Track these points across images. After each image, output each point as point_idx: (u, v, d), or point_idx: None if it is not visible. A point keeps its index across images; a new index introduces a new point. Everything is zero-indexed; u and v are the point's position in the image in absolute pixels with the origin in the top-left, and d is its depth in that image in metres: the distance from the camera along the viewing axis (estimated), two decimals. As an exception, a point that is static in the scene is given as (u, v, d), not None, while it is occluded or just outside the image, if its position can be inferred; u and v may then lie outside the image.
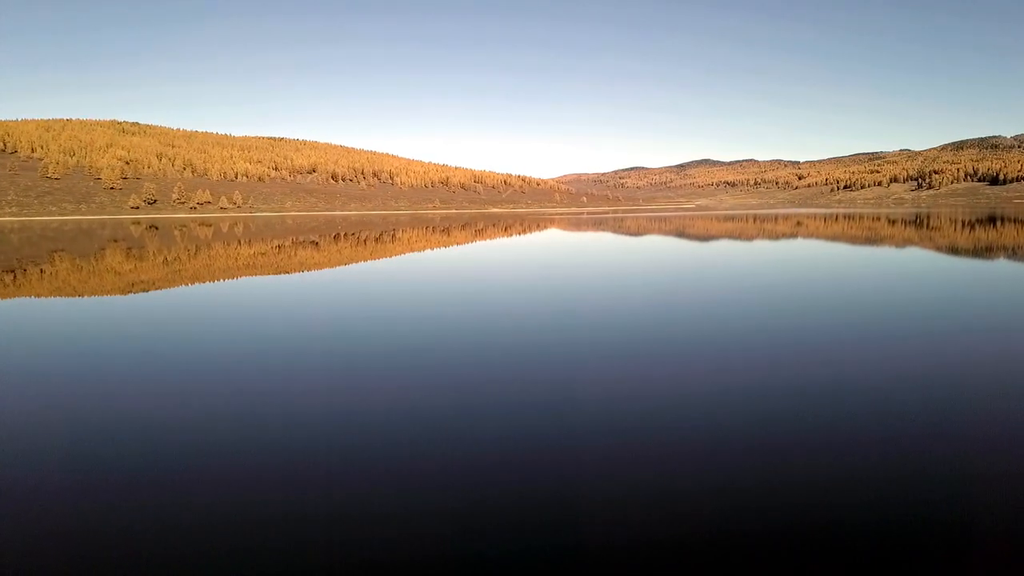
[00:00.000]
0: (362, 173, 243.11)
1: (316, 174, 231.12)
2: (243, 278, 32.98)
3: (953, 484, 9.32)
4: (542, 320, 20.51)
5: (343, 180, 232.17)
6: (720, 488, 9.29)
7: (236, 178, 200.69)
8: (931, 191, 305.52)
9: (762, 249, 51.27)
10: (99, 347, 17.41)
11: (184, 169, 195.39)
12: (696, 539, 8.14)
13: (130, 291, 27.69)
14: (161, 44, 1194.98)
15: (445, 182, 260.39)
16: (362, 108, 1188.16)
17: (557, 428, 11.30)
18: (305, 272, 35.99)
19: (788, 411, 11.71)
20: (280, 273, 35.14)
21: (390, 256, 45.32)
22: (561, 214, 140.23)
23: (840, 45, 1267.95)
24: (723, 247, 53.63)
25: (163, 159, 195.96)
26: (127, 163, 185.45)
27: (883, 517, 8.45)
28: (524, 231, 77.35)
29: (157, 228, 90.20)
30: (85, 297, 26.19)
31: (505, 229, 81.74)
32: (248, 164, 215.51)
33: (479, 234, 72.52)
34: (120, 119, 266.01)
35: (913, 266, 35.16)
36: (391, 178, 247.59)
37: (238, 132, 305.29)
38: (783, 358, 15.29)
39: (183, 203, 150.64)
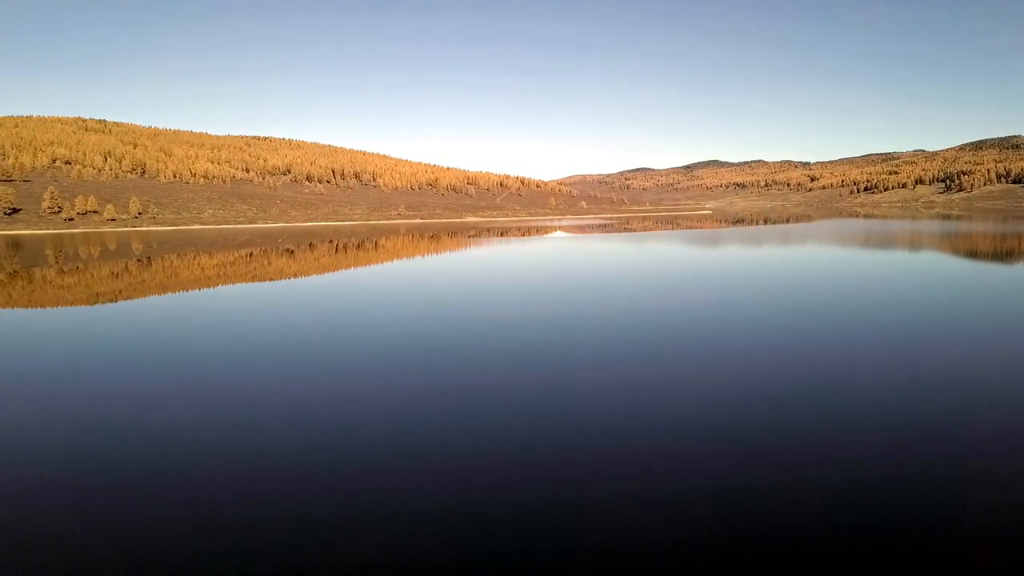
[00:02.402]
0: (341, 174, 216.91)
1: (289, 175, 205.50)
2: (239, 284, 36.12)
3: (952, 486, 9.50)
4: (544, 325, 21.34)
5: (319, 182, 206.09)
6: (722, 489, 9.35)
7: (194, 178, 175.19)
8: (962, 194, 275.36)
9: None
10: (93, 354, 18.92)
11: (132, 170, 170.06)
12: (699, 540, 8.14)
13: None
14: (159, 44, 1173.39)
15: (433, 183, 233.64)
16: (364, 109, 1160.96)
17: (560, 431, 11.81)
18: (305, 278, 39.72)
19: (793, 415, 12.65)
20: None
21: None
22: (550, 226, 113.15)
23: (848, 44, 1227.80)
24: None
25: (110, 159, 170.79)
26: (68, 163, 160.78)
27: (883, 518, 8.53)
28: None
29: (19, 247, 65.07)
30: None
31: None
32: (211, 164, 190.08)
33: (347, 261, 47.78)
34: (98, 118, 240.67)
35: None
36: (373, 179, 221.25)
37: (227, 132, 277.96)
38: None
39: (56, 213, 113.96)
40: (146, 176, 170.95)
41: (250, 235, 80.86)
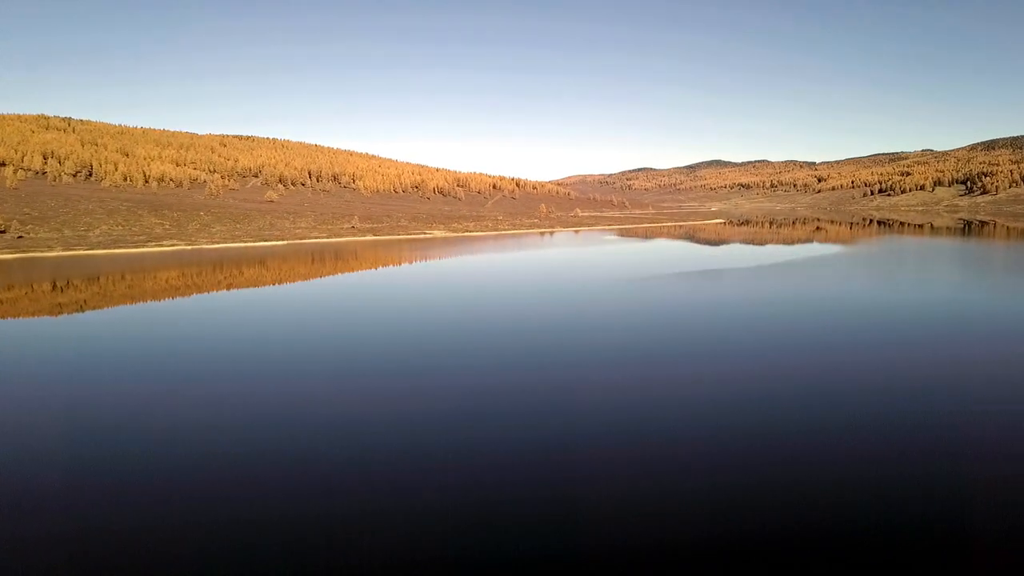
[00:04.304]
0: (318, 176, 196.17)
1: (259, 177, 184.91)
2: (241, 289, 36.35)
3: (950, 487, 9.62)
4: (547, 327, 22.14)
5: (293, 184, 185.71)
6: (723, 490, 9.47)
7: (147, 182, 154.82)
8: (987, 196, 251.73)
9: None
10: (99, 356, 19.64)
11: (76, 173, 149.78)
12: (699, 540, 8.10)
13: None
14: (156, 43, 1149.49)
15: (419, 186, 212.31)
16: (363, 110, 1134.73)
17: (561, 433, 11.99)
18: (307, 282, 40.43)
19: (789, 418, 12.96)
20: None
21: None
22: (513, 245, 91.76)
23: (851, 43, 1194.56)
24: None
25: (51, 159, 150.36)
26: (2, 164, 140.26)
27: (881, 519, 8.56)
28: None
29: None
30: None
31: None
32: (171, 166, 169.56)
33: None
34: (75, 117, 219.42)
35: None
36: (353, 181, 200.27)
37: (212, 131, 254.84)
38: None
39: None
40: (92, 179, 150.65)
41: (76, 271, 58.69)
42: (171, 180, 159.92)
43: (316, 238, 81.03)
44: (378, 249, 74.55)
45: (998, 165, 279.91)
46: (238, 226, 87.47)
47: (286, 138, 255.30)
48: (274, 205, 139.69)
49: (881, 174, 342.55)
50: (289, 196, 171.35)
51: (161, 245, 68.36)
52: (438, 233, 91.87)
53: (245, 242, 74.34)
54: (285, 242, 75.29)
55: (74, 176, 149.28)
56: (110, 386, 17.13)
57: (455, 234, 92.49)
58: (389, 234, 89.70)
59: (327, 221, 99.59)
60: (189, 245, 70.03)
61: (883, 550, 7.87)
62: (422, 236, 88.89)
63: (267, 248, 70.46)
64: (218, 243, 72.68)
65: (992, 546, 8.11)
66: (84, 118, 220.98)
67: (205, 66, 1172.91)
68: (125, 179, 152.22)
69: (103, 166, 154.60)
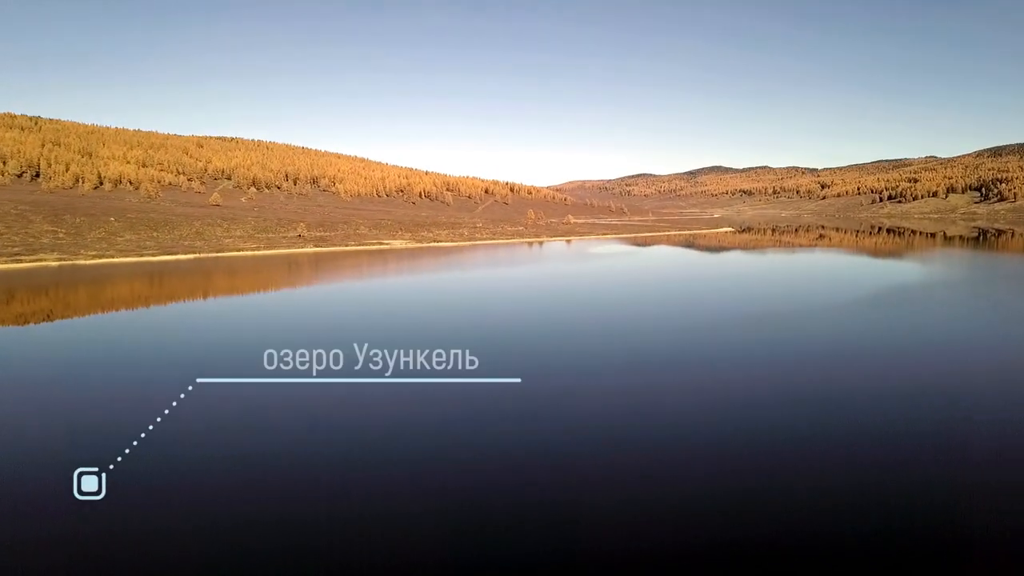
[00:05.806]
0: (295, 179, 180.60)
1: (231, 180, 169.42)
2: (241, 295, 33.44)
3: (949, 493, 9.41)
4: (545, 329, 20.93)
5: (267, 187, 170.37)
6: (723, 497, 9.18)
7: (101, 184, 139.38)
8: (1006, 204, 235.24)
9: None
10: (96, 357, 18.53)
11: (20, 174, 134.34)
12: (701, 546, 7.90)
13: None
14: (153, 44, 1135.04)
15: (404, 190, 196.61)
16: (358, 115, 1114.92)
17: (562, 438, 11.72)
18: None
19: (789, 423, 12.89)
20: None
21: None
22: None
23: (853, 48, 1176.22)
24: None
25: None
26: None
27: (880, 523, 8.39)
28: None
29: None
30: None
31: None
32: (132, 167, 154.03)
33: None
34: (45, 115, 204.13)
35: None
36: (332, 184, 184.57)
37: (206, 133, 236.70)
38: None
39: None
40: (37, 180, 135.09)
41: None
42: (129, 182, 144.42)
43: (243, 250, 64.96)
44: (305, 266, 58.55)
45: (1009, 171, 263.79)
46: (154, 234, 71.39)
47: (272, 140, 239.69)
48: (215, 210, 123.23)
49: (887, 180, 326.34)
50: (259, 199, 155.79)
51: (20, 261, 52.29)
52: (398, 244, 75.88)
53: (144, 256, 58.22)
54: (194, 256, 59.22)
55: (19, 176, 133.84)
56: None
57: (420, 244, 76.49)
58: (339, 244, 73.69)
59: (270, 228, 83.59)
60: (59, 261, 53.94)
61: (884, 556, 7.71)
62: (377, 247, 72.91)
63: (164, 264, 54.46)
64: (108, 257, 56.61)
65: (992, 552, 7.91)
66: (56, 118, 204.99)
67: (199, 70, 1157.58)
68: (77, 180, 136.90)
69: (52, 167, 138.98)
